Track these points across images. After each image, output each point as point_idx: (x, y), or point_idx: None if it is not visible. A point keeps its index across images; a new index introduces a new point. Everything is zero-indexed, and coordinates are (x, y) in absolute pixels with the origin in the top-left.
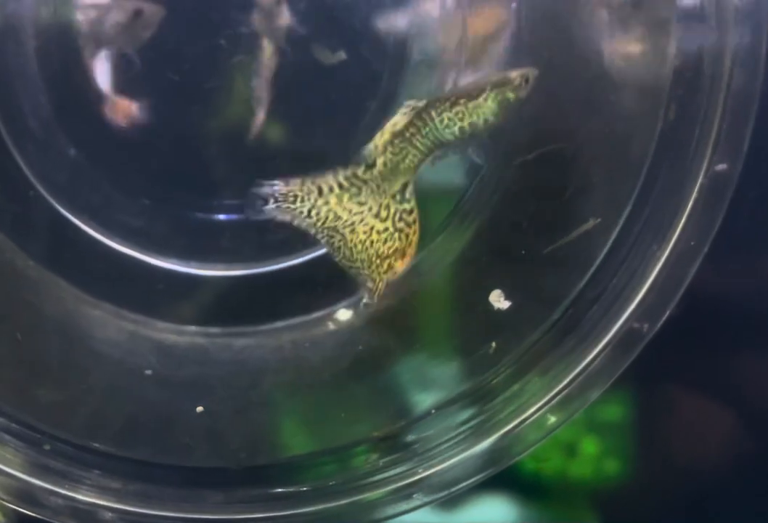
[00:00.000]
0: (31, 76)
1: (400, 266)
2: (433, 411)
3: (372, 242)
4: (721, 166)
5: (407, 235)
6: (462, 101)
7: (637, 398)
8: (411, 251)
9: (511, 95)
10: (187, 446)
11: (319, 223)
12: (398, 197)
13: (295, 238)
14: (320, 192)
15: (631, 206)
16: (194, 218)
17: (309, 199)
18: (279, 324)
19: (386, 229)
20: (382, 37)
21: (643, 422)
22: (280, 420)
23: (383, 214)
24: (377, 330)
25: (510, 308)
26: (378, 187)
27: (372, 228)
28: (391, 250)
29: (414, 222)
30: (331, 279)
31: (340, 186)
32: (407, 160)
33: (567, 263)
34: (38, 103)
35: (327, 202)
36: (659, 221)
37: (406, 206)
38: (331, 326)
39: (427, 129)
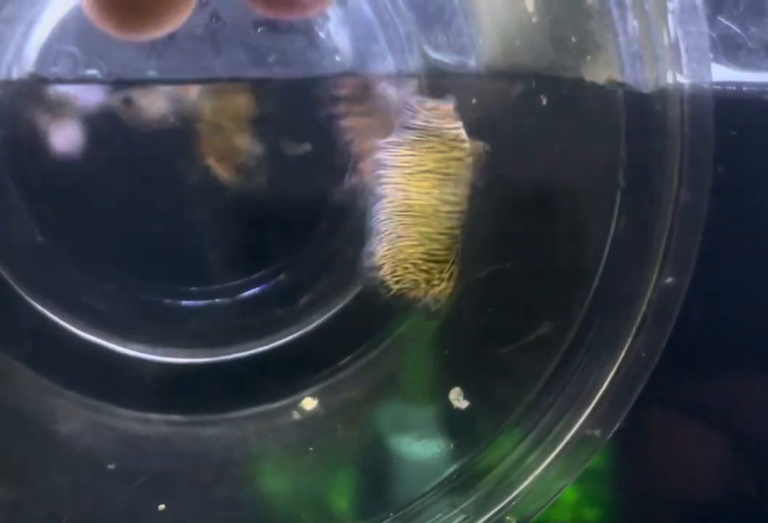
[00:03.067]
0: None
1: None
2: (391, 514)
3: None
4: (669, 280)
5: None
6: None
7: (616, 444)
8: None
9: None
10: None
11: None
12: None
13: (261, 323)
14: None
15: (583, 315)
16: (160, 304)
17: None
18: (244, 413)
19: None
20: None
21: (623, 468)
22: (244, 518)
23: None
24: (342, 421)
25: (468, 408)
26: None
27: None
28: None
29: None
30: (296, 366)
31: None
32: None
33: (523, 367)
34: (4, 186)
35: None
36: (610, 332)
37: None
38: (295, 415)
39: None
